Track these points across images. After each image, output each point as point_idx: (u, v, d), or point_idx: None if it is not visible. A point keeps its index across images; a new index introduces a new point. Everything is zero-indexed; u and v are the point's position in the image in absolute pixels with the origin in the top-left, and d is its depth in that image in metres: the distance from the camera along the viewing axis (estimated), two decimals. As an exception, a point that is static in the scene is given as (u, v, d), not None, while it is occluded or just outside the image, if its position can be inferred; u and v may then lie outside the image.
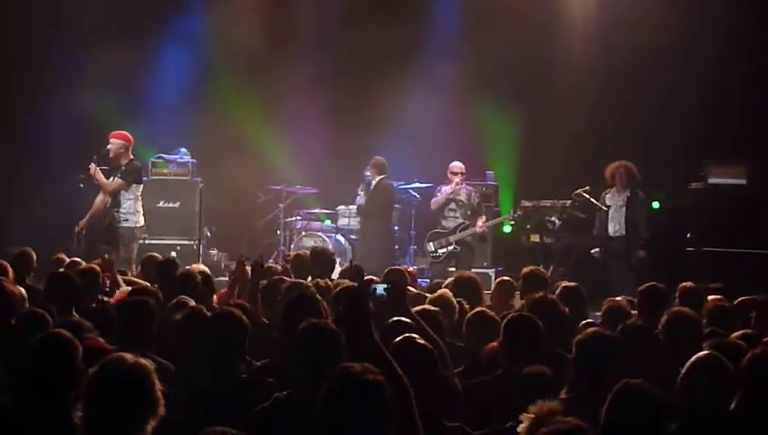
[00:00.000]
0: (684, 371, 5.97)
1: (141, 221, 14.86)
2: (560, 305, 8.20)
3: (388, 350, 5.86)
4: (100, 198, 14.96)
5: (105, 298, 9.81)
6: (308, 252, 11.93)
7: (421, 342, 6.05)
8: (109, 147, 14.88)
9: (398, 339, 6.04)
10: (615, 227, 15.62)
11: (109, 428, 4.67)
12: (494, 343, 7.34)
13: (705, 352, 6.13)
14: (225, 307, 6.98)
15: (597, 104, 18.04)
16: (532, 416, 4.90)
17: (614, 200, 15.64)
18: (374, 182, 16.82)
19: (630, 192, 15.68)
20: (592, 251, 15.80)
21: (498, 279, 11.39)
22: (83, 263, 10.82)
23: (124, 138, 14.95)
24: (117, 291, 9.87)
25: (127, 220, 14.78)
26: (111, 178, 14.86)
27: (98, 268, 10.12)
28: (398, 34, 17.90)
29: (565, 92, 18.26)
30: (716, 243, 15.90)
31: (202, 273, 9.89)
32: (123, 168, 14.90)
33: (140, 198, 14.92)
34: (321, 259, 11.46)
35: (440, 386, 6.16)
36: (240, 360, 6.70)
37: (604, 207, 15.58)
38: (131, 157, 14.99)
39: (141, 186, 14.99)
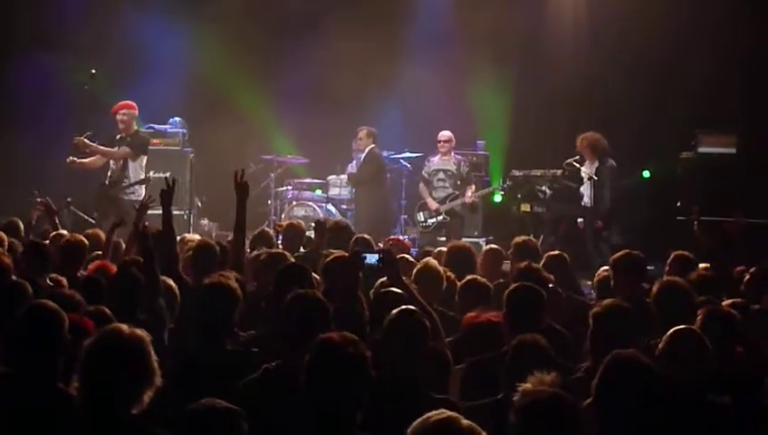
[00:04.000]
0: (663, 343, 5.98)
1: (143, 193, 14.93)
2: (544, 274, 8.22)
3: (381, 319, 5.89)
4: (97, 160, 15.01)
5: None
6: (301, 221, 11.89)
7: (417, 315, 6.05)
8: (122, 117, 14.92)
9: (394, 312, 6.04)
10: (585, 199, 15.62)
11: (106, 398, 4.72)
12: (473, 313, 7.34)
13: (683, 326, 6.11)
14: (217, 277, 6.90)
15: (589, 73, 18.04)
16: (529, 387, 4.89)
17: (585, 173, 15.63)
18: (365, 151, 16.82)
19: (599, 162, 15.65)
20: (578, 221, 15.82)
21: (486, 247, 11.41)
22: (66, 234, 10.71)
23: (133, 107, 15.06)
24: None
25: (134, 193, 14.79)
26: (117, 148, 14.93)
27: (84, 240, 10.04)
28: (387, 4, 17.87)
29: (556, 62, 18.26)
30: (707, 212, 15.89)
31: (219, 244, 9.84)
32: (129, 139, 14.96)
33: (144, 169, 15.01)
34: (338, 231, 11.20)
35: (431, 357, 6.18)
36: (228, 330, 6.68)
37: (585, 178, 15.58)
38: (136, 128, 15.07)
39: (146, 157, 15.05)
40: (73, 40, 17.52)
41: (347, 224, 11.84)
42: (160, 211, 8.89)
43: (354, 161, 17.47)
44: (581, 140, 15.65)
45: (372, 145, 16.82)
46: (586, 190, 15.58)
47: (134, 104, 15.22)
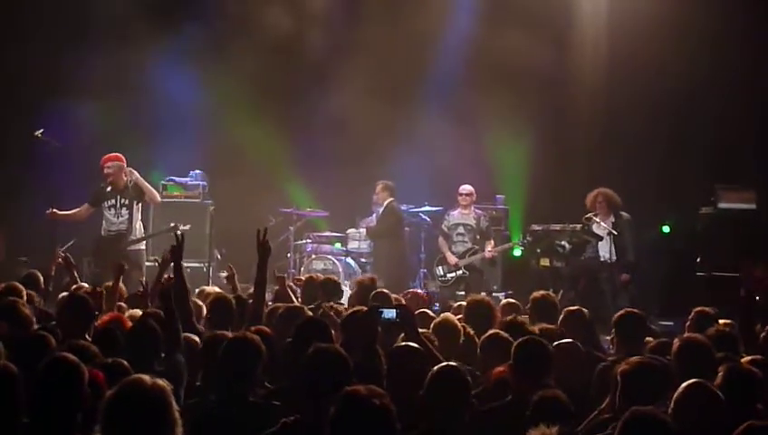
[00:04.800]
0: (675, 398, 5.96)
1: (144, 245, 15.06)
2: (527, 328, 8.24)
3: (394, 373, 5.89)
4: (82, 211, 15.05)
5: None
6: (320, 275, 11.88)
7: (460, 370, 6.06)
8: (108, 171, 14.89)
9: (437, 367, 6.07)
10: (604, 254, 15.61)
11: (130, 449, 4.67)
12: (502, 368, 7.33)
13: (693, 380, 6.09)
14: (242, 333, 6.94)
15: (607, 128, 18.06)
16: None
17: (600, 228, 15.62)
18: (384, 205, 16.84)
19: (615, 217, 15.65)
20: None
21: (504, 302, 11.40)
22: (86, 286, 10.77)
23: (121, 159, 15.01)
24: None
25: (138, 242, 14.89)
26: (114, 202, 14.91)
27: (102, 292, 10.09)
28: (408, 58, 17.95)
29: (575, 117, 18.30)
30: (726, 268, 15.86)
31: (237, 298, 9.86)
32: (129, 189, 14.93)
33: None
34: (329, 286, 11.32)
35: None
36: (251, 383, 6.67)
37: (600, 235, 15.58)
38: (125, 178, 15.02)
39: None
40: (92, 88, 17.57)
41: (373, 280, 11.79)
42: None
43: (374, 215, 17.49)
44: (596, 196, 15.68)
45: (390, 199, 16.85)
46: (604, 245, 15.56)
47: (121, 156, 15.16)
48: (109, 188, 15.00)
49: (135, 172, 14.93)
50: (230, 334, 7.32)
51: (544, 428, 4.72)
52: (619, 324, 8.75)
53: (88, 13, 18.23)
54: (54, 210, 14.84)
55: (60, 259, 11.87)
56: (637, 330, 8.76)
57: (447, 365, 6.09)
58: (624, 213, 15.70)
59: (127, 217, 14.96)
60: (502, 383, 7.18)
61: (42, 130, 14.82)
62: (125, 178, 14.94)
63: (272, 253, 9.36)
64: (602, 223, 15.59)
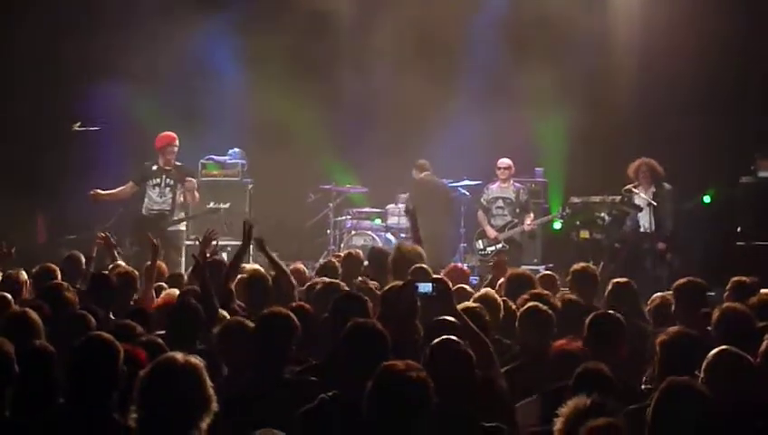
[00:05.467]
0: (704, 366, 5.95)
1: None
2: (552, 300, 8.35)
3: (428, 349, 5.90)
4: (126, 189, 15.18)
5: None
6: (359, 251, 11.89)
7: (458, 344, 6.05)
8: (172, 149, 15.08)
9: (435, 341, 6.05)
10: (645, 224, 15.54)
11: (165, 428, 4.68)
12: (563, 341, 7.30)
13: (722, 347, 6.07)
14: (275, 308, 6.98)
15: (647, 99, 17.94)
16: (564, 417, 4.91)
17: (640, 199, 15.54)
18: (415, 180, 16.91)
19: (656, 188, 15.58)
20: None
21: (541, 274, 11.41)
22: (123, 266, 10.86)
23: (176, 138, 15.22)
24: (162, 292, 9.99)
25: (179, 223, 15.01)
26: (160, 181, 15.05)
27: (135, 272, 10.23)
28: (445, 33, 17.90)
29: (614, 87, 18.18)
30: (766, 237, 15.78)
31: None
32: (176, 171, 15.09)
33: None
34: (376, 258, 11.34)
35: (481, 386, 6.16)
36: (285, 359, 6.69)
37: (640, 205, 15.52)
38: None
39: None
40: (132, 70, 17.66)
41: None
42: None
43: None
44: (640, 165, 15.57)
45: (422, 174, 16.88)
46: (645, 216, 15.50)
47: (171, 134, 15.37)
48: (155, 167, 15.14)
49: (194, 181, 15.10)
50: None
51: (579, 398, 4.72)
52: (679, 293, 8.75)
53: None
54: (97, 191, 14.99)
55: (100, 239, 11.96)
56: (699, 298, 8.76)
57: (442, 339, 6.06)
58: (666, 183, 15.62)
59: (170, 196, 15.09)
60: (564, 357, 7.09)
61: (79, 123, 14.96)
62: (173, 162, 15.13)
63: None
64: (642, 193, 15.52)
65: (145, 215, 15.14)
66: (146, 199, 15.21)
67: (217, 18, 18.20)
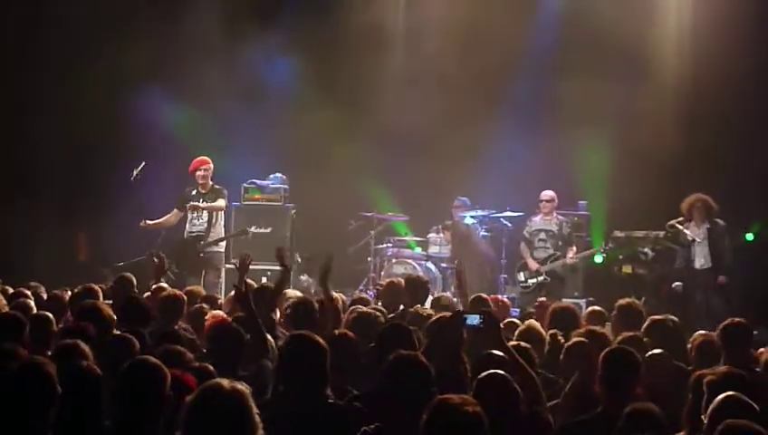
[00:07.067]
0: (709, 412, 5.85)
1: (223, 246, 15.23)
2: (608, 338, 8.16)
3: (476, 382, 5.84)
4: (171, 217, 15.25)
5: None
6: (401, 280, 11.86)
7: (506, 378, 5.99)
8: (203, 173, 15.16)
9: (483, 374, 6.00)
10: (701, 260, 15.37)
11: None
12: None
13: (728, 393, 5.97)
14: (302, 332, 6.90)
15: (690, 134, 17.80)
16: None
17: (695, 234, 15.39)
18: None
19: (710, 224, 15.43)
20: (674, 285, 15.60)
21: (588, 309, 11.31)
22: (168, 288, 10.84)
23: (209, 162, 15.31)
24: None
25: (214, 244, 15.04)
26: (197, 204, 15.15)
27: (182, 295, 10.21)
28: (490, 63, 17.88)
29: (657, 122, 18.05)
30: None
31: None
32: (211, 193, 15.17)
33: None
34: (415, 287, 11.34)
35: (528, 421, 6.10)
36: (320, 380, 6.52)
37: (691, 240, 15.35)
38: (211, 183, 15.32)
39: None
40: (176, 87, 17.75)
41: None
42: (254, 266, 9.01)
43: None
44: (695, 201, 15.39)
45: (455, 219, 17.20)
46: (700, 251, 15.31)
47: (209, 160, 15.42)
48: (194, 192, 15.24)
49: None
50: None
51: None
52: (726, 334, 8.63)
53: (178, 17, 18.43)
54: (147, 221, 15.14)
55: (155, 260, 11.97)
56: (747, 339, 8.65)
57: (489, 373, 6.02)
58: (719, 220, 15.47)
59: (206, 219, 15.16)
60: (587, 393, 7.07)
61: (140, 168, 15.13)
62: (211, 183, 15.17)
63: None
64: (695, 229, 15.35)
65: (185, 238, 15.25)
66: (187, 223, 15.33)
67: (268, 39, 18.30)
